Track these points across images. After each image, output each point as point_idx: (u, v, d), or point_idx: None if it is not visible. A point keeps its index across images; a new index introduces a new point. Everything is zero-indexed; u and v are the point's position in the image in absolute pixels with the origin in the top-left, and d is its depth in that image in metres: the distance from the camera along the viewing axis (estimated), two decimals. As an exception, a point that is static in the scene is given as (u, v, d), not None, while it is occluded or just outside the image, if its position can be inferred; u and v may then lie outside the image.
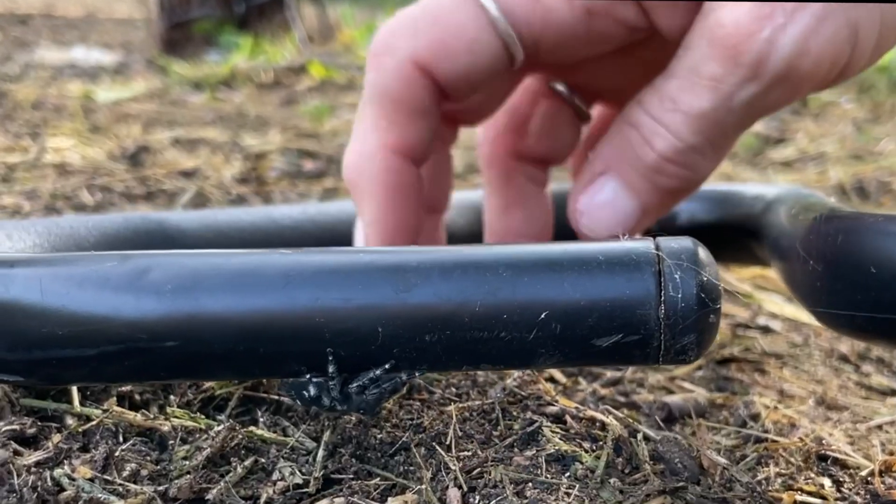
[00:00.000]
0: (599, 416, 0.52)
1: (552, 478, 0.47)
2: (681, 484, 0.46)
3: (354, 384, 0.43)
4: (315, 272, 0.43)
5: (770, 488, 0.48)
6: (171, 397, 0.52)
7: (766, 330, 0.80)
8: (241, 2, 2.89)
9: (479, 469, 0.47)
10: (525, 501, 0.45)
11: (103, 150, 1.30)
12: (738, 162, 1.48)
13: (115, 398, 0.50)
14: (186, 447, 0.48)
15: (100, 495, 0.43)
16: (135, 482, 0.45)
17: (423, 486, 0.46)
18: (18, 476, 0.43)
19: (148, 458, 0.47)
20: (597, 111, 0.67)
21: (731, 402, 0.61)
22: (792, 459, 0.52)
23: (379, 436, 0.50)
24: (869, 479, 0.51)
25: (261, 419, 0.51)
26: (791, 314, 0.84)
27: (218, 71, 2.17)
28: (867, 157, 1.47)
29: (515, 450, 0.49)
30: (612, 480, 0.47)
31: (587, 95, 0.64)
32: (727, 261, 0.77)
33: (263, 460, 0.48)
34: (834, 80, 0.50)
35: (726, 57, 0.48)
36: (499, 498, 0.45)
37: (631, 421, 0.52)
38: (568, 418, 0.52)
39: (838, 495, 0.49)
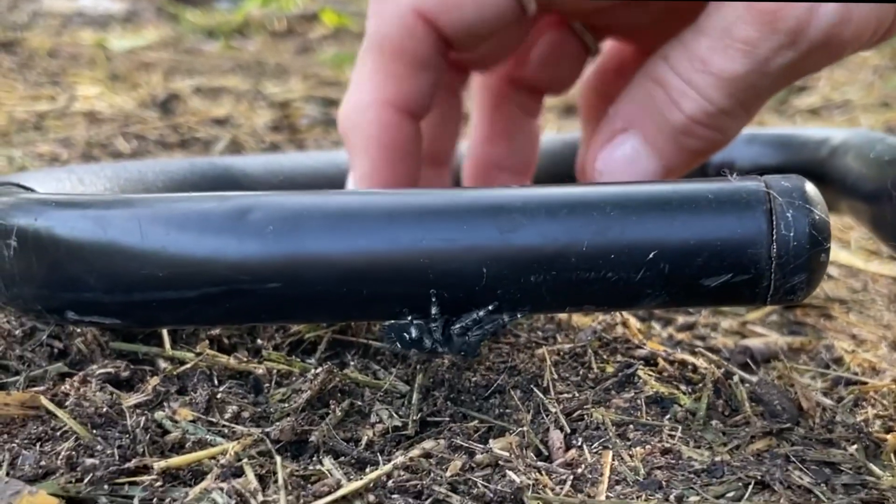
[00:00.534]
0: (691, 358, 0.52)
1: (653, 420, 0.46)
2: (786, 425, 0.46)
3: (457, 326, 0.43)
4: (419, 212, 0.42)
5: (871, 430, 0.47)
6: (259, 341, 0.52)
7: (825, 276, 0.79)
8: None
9: (578, 411, 0.47)
10: (628, 443, 0.45)
11: (132, 99, 1.29)
12: (764, 110, 1.46)
13: (206, 341, 0.50)
14: (283, 390, 0.48)
15: (207, 436, 0.43)
16: (237, 424, 0.45)
17: (525, 428, 0.45)
18: (130, 417, 0.42)
19: (246, 400, 0.47)
20: (607, 45, 0.64)
21: (809, 347, 0.61)
22: (885, 402, 0.51)
23: (473, 379, 0.49)
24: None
25: (351, 363, 0.50)
26: (846, 260, 0.83)
27: (231, 19, 2.14)
28: (893, 104, 1.45)
29: (613, 392, 0.48)
30: (713, 422, 0.46)
31: (598, 31, 0.62)
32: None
33: (359, 403, 0.47)
34: (876, 42, 0.49)
35: (763, 22, 0.46)
36: (602, 440, 0.45)
37: (725, 363, 0.51)
38: (660, 361, 0.51)
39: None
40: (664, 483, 0.42)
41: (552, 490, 0.41)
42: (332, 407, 0.46)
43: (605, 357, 0.52)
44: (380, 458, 0.44)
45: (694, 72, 0.49)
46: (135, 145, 1.07)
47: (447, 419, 0.47)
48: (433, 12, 0.51)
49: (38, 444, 0.42)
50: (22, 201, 0.44)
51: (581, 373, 0.50)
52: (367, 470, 0.42)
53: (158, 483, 0.40)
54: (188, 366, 0.48)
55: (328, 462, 0.43)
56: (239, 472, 0.41)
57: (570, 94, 0.74)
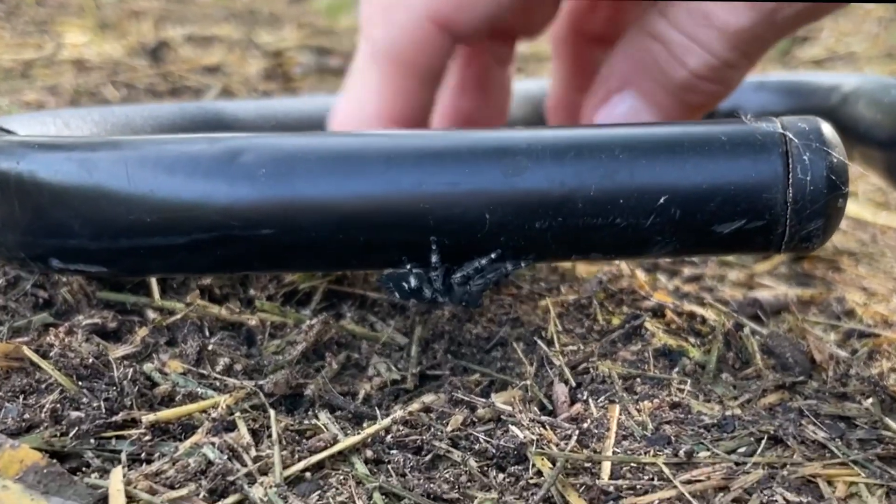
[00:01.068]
0: (700, 310, 0.50)
1: (661, 373, 0.45)
2: (799, 379, 0.44)
3: (458, 274, 0.41)
4: (419, 155, 0.40)
5: (886, 383, 0.45)
6: (252, 291, 0.50)
7: (832, 227, 0.77)
8: None
9: (584, 364, 0.45)
10: (636, 397, 0.43)
11: (121, 47, 1.26)
12: (766, 62, 1.44)
13: (197, 291, 0.48)
14: (276, 342, 0.46)
15: (198, 389, 0.41)
16: (229, 376, 0.43)
17: (528, 382, 0.44)
18: (117, 369, 0.41)
19: (238, 352, 0.45)
20: None
21: (820, 299, 0.59)
22: (899, 355, 0.50)
23: (474, 331, 0.48)
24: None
25: (348, 314, 0.48)
26: (854, 212, 0.81)
27: (223, -34, 2.11)
28: (897, 55, 1.43)
29: (619, 345, 0.47)
30: (723, 376, 0.45)
31: None
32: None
33: (356, 356, 0.46)
34: None
35: None
36: (608, 393, 0.43)
37: (736, 316, 0.50)
38: (668, 312, 0.49)
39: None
40: (673, 438, 0.40)
41: (557, 445, 0.40)
42: (328, 360, 0.45)
43: (610, 309, 0.50)
44: (378, 412, 0.42)
45: (697, 27, 0.47)
46: (124, 93, 1.05)
47: (447, 372, 0.45)
48: (449, 16, 0.48)
49: (21, 397, 0.40)
50: (3, 144, 0.42)
51: (586, 325, 0.48)
52: (365, 424, 0.41)
53: (147, 437, 0.38)
54: (178, 316, 0.46)
55: (324, 416, 0.41)
56: (231, 426, 0.40)
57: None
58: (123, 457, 0.37)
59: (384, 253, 0.41)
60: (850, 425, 0.42)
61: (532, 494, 0.37)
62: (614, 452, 0.39)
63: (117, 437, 0.38)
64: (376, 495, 0.36)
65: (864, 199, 0.81)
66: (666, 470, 0.38)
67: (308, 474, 0.37)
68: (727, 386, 0.44)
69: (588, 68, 0.58)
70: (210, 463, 0.37)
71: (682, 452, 0.39)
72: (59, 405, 0.39)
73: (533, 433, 0.40)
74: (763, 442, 0.40)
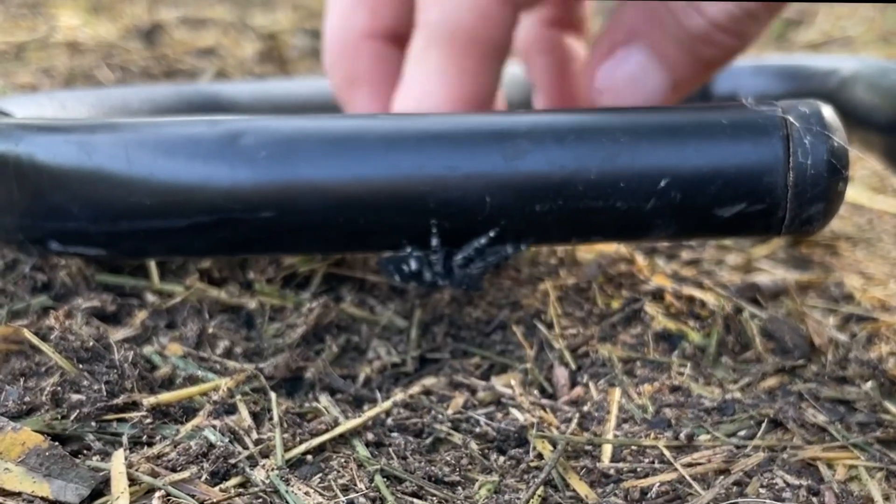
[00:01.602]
0: (699, 294, 0.50)
1: (661, 356, 0.45)
2: (799, 362, 0.44)
3: (459, 256, 0.41)
4: (419, 138, 0.40)
5: (886, 367, 0.45)
6: (251, 274, 0.50)
7: (829, 211, 0.77)
8: None
9: (584, 347, 0.45)
10: (636, 380, 0.43)
11: (115, 29, 1.26)
12: (762, 45, 1.43)
13: (196, 274, 0.48)
14: (276, 325, 0.46)
15: (198, 372, 0.41)
16: (229, 359, 0.43)
17: (528, 365, 0.44)
18: (118, 352, 0.41)
19: (238, 335, 0.45)
20: None
21: (818, 283, 0.59)
22: (897, 339, 0.50)
23: (474, 314, 0.48)
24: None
25: (347, 297, 0.48)
26: (851, 197, 0.81)
27: (215, -53, 2.10)
28: (893, 40, 1.43)
29: (619, 328, 0.47)
30: (723, 359, 0.45)
31: None
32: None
33: (356, 339, 0.46)
34: None
35: None
36: (608, 376, 0.43)
37: (735, 299, 0.50)
38: (667, 296, 0.49)
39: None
40: (673, 421, 0.40)
41: (557, 428, 0.40)
42: (328, 343, 0.45)
43: (610, 292, 0.50)
44: (378, 395, 0.42)
45: None
46: (118, 76, 1.05)
47: (447, 356, 0.45)
48: None
49: (21, 380, 0.40)
50: (1, 126, 0.42)
51: (586, 308, 0.48)
52: (365, 407, 0.41)
53: (148, 420, 0.38)
54: (177, 299, 0.46)
55: (324, 399, 0.41)
56: (232, 409, 0.40)
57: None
58: (125, 439, 0.37)
59: (384, 236, 0.41)
60: (850, 409, 0.42)
61: (533, 477, 0.37)
62: (615, 435, 0.39)
63: (118, 420, 0.38)
64: (378, 478, 0.36)
65: (862, 183, 0.81)
66: (667, 453, 0.38)
67: (309, 457, 0.37)
68: (727, 369, 0.44)
69: None
70: (211, 446, 0.37)
71: (682, 435, 0.39)
72: (59, 388, 0.39)
73: (533, 416, 0.40)
74: (763, 425, 0.40)
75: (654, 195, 0.40)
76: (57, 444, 0.35)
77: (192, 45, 1.21)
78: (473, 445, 0.38)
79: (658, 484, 0.36)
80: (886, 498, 0.36)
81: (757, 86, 0.73)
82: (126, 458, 0.36)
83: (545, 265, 0.54)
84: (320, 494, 0.35)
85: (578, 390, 0.42)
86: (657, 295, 0.50)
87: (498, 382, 0.43)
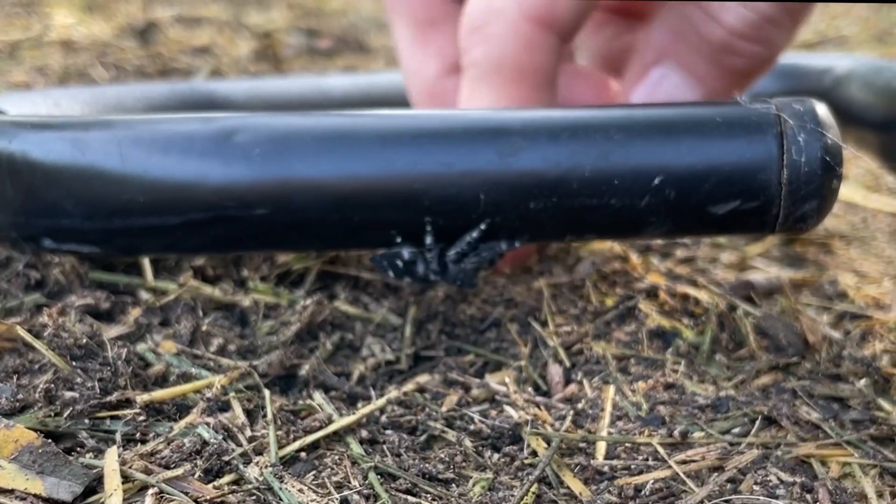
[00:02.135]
0: (693, 291, 0.50)
1: (655, 353, 0.45)
2: (792, 360, 0.44)
3: (452, 251, 0.41)
4: (414, 135, 0.40)
5: (879, 365, 0.45)
6: (245, 272, 0.50)
7: (824, 210, 0.77)
8: None
9: (578, 345, 0.45)
10: (630, 377, 0.43)
11: (109, 28, 1.26)
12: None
13: (190, 272, 0.48)
14: (270, 322, 0.46)
15: (192, 370, 0.41)
16: (223, 357, 0.43)
17: (522, 362, 0.44)
18: (111, 349, 0.41)
19: (232, 332, 0.45)
20: None
21: (812, 281, 0.59)
22: (892, 337, 0.50)
23: (468, 311, 0.48)
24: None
25: (341, 295, 0.48)
26: (845, 195, 0.81)
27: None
28: (888, 39, 1.43)
29: (613, 325, 0.47)
30: (717, 356, 0.45)
31: None
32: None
33: (350, 336, 0.46)
34: None
35: None
36: (602, 374, 0.43)
37: (729, 297, 0.50)
38: (661, 294, 0.49)
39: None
40: (667, 418, 0.40)
41: (552, 426, 0.40)
42: (322, 340, 0.45)
43: (604, 290, 0.50)
44: (372, 392, 0.42)
45: None
46: (113, 74, 1.05)
47: (441, 353, 0.45)
48: (546, 13, 0.44)
49: (15, 377, 0.40)
50: (-5, 123, 0.42)
51: (580, 305, 0.48)
52: (360, 405, 0.41)
53: (142, 417, 0.38)
54: (171, 297, 0.46)
55: (319, 396, 0.41)
56: (226, 407, 0.40)
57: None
58: (118, 437, 0.37)
59: (379, 233, 0.41)
60: (844, 406, 0.42)
61: (527, 474, 0.37)
62: (609, 433, 0.40)
63: (112, 418, 0.38)
64: (372, 475, 0.36)
65: (856, 182, 0.81)
66: (661, 450, 0.38)
67: (303, 454, 0.37)
68: (721, 367, 0.44)
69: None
70: (205, 443, 0.37)
71: (676, 433, 0.39)
72: (52, 385, 0.39)
73: (528, 413, 0.40)
74: (757, 422, 0.40)
75: (648, 192, 0.40)
76: (50, 441, 0.35)
77: (186, 43, 1.21)
78: (467, 443, 0.38)
79: (652, 481, 0.36)
80: (880, 495, 0.37)
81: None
82: (119, 456, 0.35)
83: (539, 262, 0.54)
84: (314, 492, 0.35)
85: (573, 388, 0.42)
86: (651, 293, 0.50)
87: (492, 380, 0.43)
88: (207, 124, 0.40)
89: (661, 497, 0.36)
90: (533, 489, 0.36)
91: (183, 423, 0.38)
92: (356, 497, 0.35)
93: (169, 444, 0.37)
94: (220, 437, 0.37)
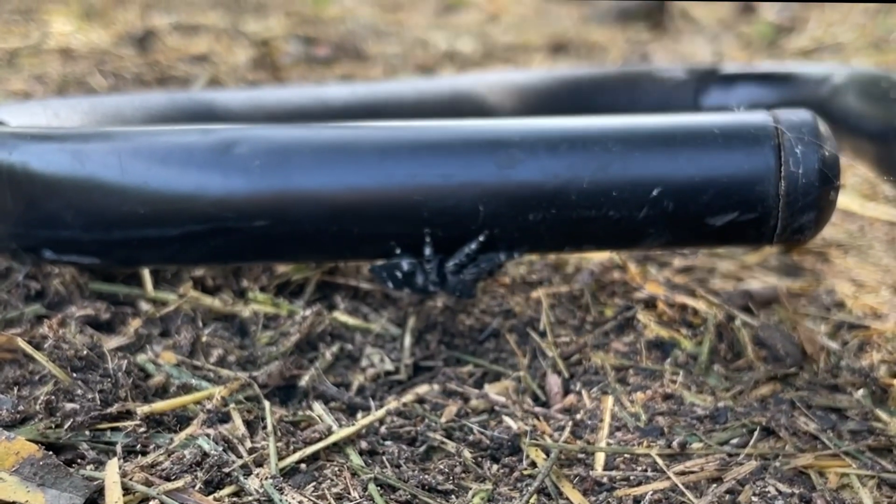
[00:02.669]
0: (691, 301, 0.50)
1: (654, 364, 0.45)
2: (791, 370, 0.45)
3: (451, 262, 0.41)
4: (413, 147, 0.40)
5: (877, 375, 0.46)
6: (244, 283, 0.50)
7: (820, 219, 0.77)
8: None
9: (577, 355, 0.45)
10: (629, 388, 0.43)
11: (108, 36, 1.26)
12: (753, 52, 1.43)
13: (189, 283, 0.48)
14: (270, 333, 0.46)
15: (192, 381, 0.41)
16: (223, 368, 0.43)
17: (521, 373, 0.44)
18: (112, 360, 0.41)
19: (232, 343, 0.45)
20: None
21: (810, 291, 0.59)
22: (890, 347, 0.50)
23: (467, 322, 0.48)
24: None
25: (341, 305, 0.48)
26: (842, 204, 0.81)
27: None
28: (884, 46, 1.43)
29: (612, 336, 0.47)
30: (716, 367, 0.45)
31: None
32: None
33: (350, 347, 0.46)
34: None
35: None
36: (601, 384, 0.43)
37: (727, 307, 0.50)
38: (660, 304, 0.49)
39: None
40: (666, 429, 0.41)
41: (550, 436, 0.40)
42: (322, 350, 0.45)
43: (602, 300, 0.50)
44: (372, 403, 0.42)
45: None
46: (111, 82, 1.05)
47: (441, 363, 0.45)
48: None
49: (15, 389, 0.40)
50: (-5, 135, 0.42)
51: (579, 316, 0.48)
52: (359, 415, 0.41)
53: (142, 428, 0.38)
54: (171, 308, 0.46)
55: (318, 407, 0.41)
56: (226, 418, 0.40)
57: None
58: (119, 448, 0.37)
59: (378, 244, 0.41)
60: (842, 417, 0.42)
61: (526, 485, 0.37)
62: (608, 443, 0.40)
63: (112, 429, 0.38)
64: (371, 486, 0.36)
65: (852, 190, 0.81)
66: (659, 461, 0.38)
67: (303, 465, 0.37)
68: (719, 377, 0.44)
69: None
70: (205, 454, 0.37)
71: (675, 443, 0.39)
72: (53, 397, 0.39)
73: (527, 424, 0.40)
74: (755, 433, 0.40)
75: (646, 204, 0.40)
76: (51, 453, 0.35)
77: (184, 51, 1.21)
78: (467, 454, 0.39)
79: (651, 492, 0.36)
80: (878, 506, 0.37)
81: (749, 94, 0.73)
82: (120, 467, 0.35)
83: (538, 273, 0.54)
84: (314, 503, 0.35)
85: (571, 398, 0.43)
86: (650, 303, 0.50)
87: (491, 390, 0.43)
88: (206, 136, 0.40)
89: (660, 508, 0.36)
90: (532, 500, 0.36)
91: (183, 434, 0.38)
92: (356, 509, 0.35)
93: (169, 455, 0.37)
94: (221, 448, 0.37)
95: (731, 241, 0.42)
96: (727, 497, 0.36)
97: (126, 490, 0.34)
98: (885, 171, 0.56)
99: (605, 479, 0.37)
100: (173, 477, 0.36)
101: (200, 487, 0.35)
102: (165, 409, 0.39)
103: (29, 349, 0.41)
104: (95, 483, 0.35)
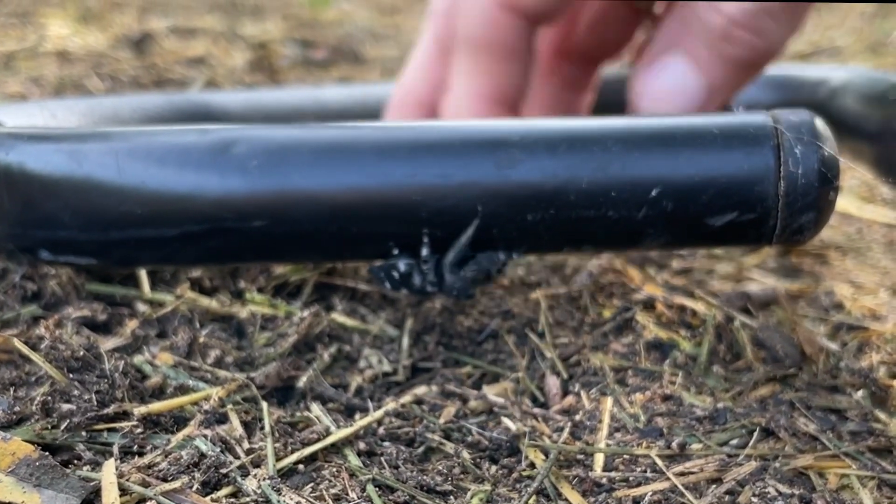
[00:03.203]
0: (690, 303, 0.50)
1: (653, 365, 0.45)
2: (790, 371, 0.44)
3: (448, 258, 0.41)
4: (412, 147, 0.40)
5: (877, 376, 0.45)
6: (242, 283, 0.50)
7: (818, 220, 0.77)
8: None
9: (575, 356, 0.45)
10: (628, 389, 0.43)
11: (104, 38, 1.26)
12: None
13: (187, 283, 0.48)
14: (267, 334, 0.46)
15: (189, 381, 0.41)
16: (220, 369, 0.43)
17: (520, 374, 0.44)
18: (108, 361, 0.40)
19: (229, 344, 0.45)
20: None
21: (808, 292, 0.59)
22: (889, 348, 0.50)
23: (465, 323, 0.48)
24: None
25: (338, 306, 0.48)
26: (840, 207, 0.81)
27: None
28: (881, 50, 1.43)
29: (610, 337, 0.47)
30: (715, 368, 0.45)
31: None
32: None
33: (348, 348, 0.46)
34: None
35: None
36: (600, 385, 0.43)
37: (726, 308, 0.50)
38: (658, 305, 0.49)
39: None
40: (665, 430, 0.40)
41: (549, 437, 0.40)
42: (319, 352, 0.45)
43: (601, 301, 0.50)
44: (370, 404, 0.42)
45: None
46: (108, 85, 1.05)
47: (439, 364, 0.45)
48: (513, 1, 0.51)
49: (11, 389, 0.40)
50: (-9, 135, 0.42)
51: (577, 317, 0.48)
52: (357, 416, 0.41)
53: (139, 429, 0.38)
54: (168, 309, 0.46)
55: (316, 408, 0.41)
56: (223, 419, 0.40)
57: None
58: (115, 449, 0.37)
59: (376, 244, 0.41)
60: (841, 417, 0.42)
61: (525, 486, 0.37)
62: (607, 444, 0.39)
63: (109, 430, 0.38)
64: (370, 487, 0.36)
65: (851, 193, 0.81)
66: (659, 462, 0.38)
67: (301, 466, 0.37)
68: (719, 378, 0.44)
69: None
70: (203, 455, 0.36)
71: (674, 444, 0.39)
72: (49, 398, 0.39)
73: (525, 425, 0.40)
74: (755, 434, 0.40)
75: (645, 204, 0.40)
76: (47, 453, 0.35)
77: (182, 54, 1.21)
78: (465, 454, 0.38)
79: (650, 493, 0.36)
80: (878, 506, 0.37)
81: (747, 96, 0.73)
82: (117, 468, 0.35)
83: (536, 273, 0.54)
84: (312, 504, 0.35)
85: (570, 399, 0.42)
86: (648, 304, 0.50)
87: (490, 391, 0.43)
88: (204, 136, 0.40)
89: (660, 509, 0.36)
90: (531, 501, 0.36)
91: (180, 435, 0.38)
92: (354, 510, 0.35)
93: (166, 456, 0.37)
94: (218, 449, 0.37)
95: (730, 241, 0.42)
96: (727, 498, 0.36)
97: (123, 491, 0.34)
98: (884, 173, 0.56)
99: (604, 480, 0.37)
100: (170, 478, 0.35)
101: (198, 488, 0.35)
102: (162, 410, 0.39)
103: (25, 350, 0.41)
104: (92, 484, 0.34)
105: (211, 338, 0.45)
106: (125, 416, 0.39)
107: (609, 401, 0.42)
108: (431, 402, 0.42)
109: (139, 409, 0.39)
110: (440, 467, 0.38)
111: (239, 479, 0.36)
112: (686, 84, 0.50)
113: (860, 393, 0.44)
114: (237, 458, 0.37)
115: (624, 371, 0.44)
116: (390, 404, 0.41)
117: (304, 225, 0.40)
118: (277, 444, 0.38)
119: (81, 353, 0.41)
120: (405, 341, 0.46)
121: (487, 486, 0.37)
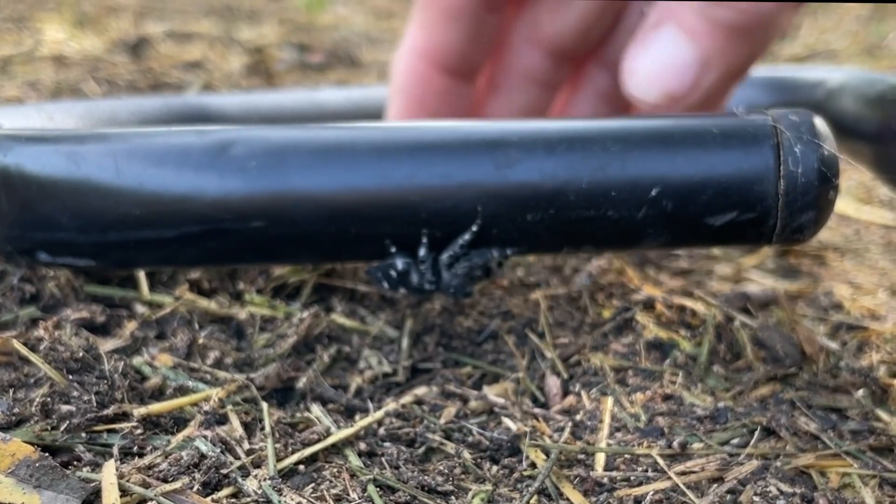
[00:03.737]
0: (690, 303, 0.50)
1: (653, 365, 0.45)
2: (790, 371, 0.44)
3: (445, 256, 0.41)
4: (411, 147, 0.40)
5: (877, 375, 0.45)
6: (241, 285, 0.49)
7: (816, 221, 0.77)
8: None
9: (575, 356, 0.45)
10: (628, 389, 0.43)
11: (101, 43, 1.26)
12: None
13: (185, 285, 0.48)
14: (266, 335, 0.46)
15: (189, 382, 0.41)
16: (219, 370, 0.43)
17: (520, 374, 0.44)
18: (108, 362, 0.40)
19: (228, 345, 0.45)
20: None
21: (807, 293, 0.59)
22: (888, 347, 0.50)
23: (465, 323, 0.47)
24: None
25: (338, 307, 0.48)
26: (838, 208, 0.81)
27: (201, -38, 2.10)
28: (877, 52, 1.43)
29: (610, 337, 0.47)
30: (715, 367, 0.45)
31: None
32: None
33: (347, 349, 0.46)
34: None
35: None
36: (600, 385, 0.43)
37: (726, 308, 0.50)
38: (658, 305, 0.49)
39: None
40: (666, 429, 0.40)
41: (550, 437, 0.40)
42: (319, 353, 0.45)
43: (601, 301, 0.50)
44: (370, 405, 0.42)
45: None
46: (105, 89, 1.04)
47: (439, 365, 0.45)
48: (429, 51, 0.51)
49: (11, 391, 0.40)
50: (-11, 137, 0.42)
51: (577, 317, 0.48)
52: (357, 417, 0.41)
53: (139, 430, 0.38)
54: (167, 310, 0.46)
55: (316, 409, 0.41)
56: (223, 420, 0.39)
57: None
58: (115, 450, 0.37)
59: (375, 245, 0.41)
60: (842, 416, 0.42)
61: (526, 486, 0.37)
62: (608, 444, 0.39)
63: (109, 431, 0.38)
64: (371, 488, 0.36)
65: (848, 194, 0.81)
66: (660, 461, 0.38)
67: (302, 467, 0.37)
68: (719, 378, 0.44)
69: None
70: (203, 456, 0.36)
71: (675, 444, 0.39)
72: (49, 399, 0.38)
73: (526, 425, 0.40)
74: (756, 433, 0.40)
75: (645, 204, 0.40)
76: (47, 455, 0.35)
77: (178, 58, 1.21)
78: (466, 455, 0.38)
79: (652, 492, 0.36)
80: (880, 505, 0.37)
81: (745, 98, 0.73)
82: (117, 469, 0.35)
83: (536, 274, 0.54)
84: (313, 504, 0.35)
85: (571, 399, 0.42)
86: (648, 304, 0.50)
87: (490, 392, 0.43)
88: (203, 137, 0.40)
89: (661, 508, 0.36)
90: (532, 501, 0.36)
91: (180, 436, 0.38)
92: (355, 510, 0.35)
93: (167, 457, 0.36)
94: (218, 450, 0.37)
95: (730, 240, 0.42)
96: (728, 497, 0.36)
97: (123, 492, 0.34)
98: (882, 173, 0.56)
99: (605, 480, 0.37)
100: (171, 478, 0.35)
101: (198, 489, 0.35)
102: (162, 411, 0.39)
103: (24, 351, 0.41)
104: (92, 485, 0.34)
105: (210, 339, 0.45)
106: (125, 417, 0.39)
107: (610, 400, 0.42)
108: (432, 403, 0.42)
109: (139, 410, 0.39)
110: (441, 467, 0.38)
111: (239, 479, 0.36)
112: (677, 55, 0.48)
113: (861, 392, 0.44)
114: (237, 458, 0.37)
115: (624, 371, 0.44)
116: (390, 405, 0.41)
117: (302, 226, 0.40)
118: (278, 445, 0.38)
119: (81, 354, 0.41)
120: (405, 342, 0.46)
121: (488, 486, 0.37)
